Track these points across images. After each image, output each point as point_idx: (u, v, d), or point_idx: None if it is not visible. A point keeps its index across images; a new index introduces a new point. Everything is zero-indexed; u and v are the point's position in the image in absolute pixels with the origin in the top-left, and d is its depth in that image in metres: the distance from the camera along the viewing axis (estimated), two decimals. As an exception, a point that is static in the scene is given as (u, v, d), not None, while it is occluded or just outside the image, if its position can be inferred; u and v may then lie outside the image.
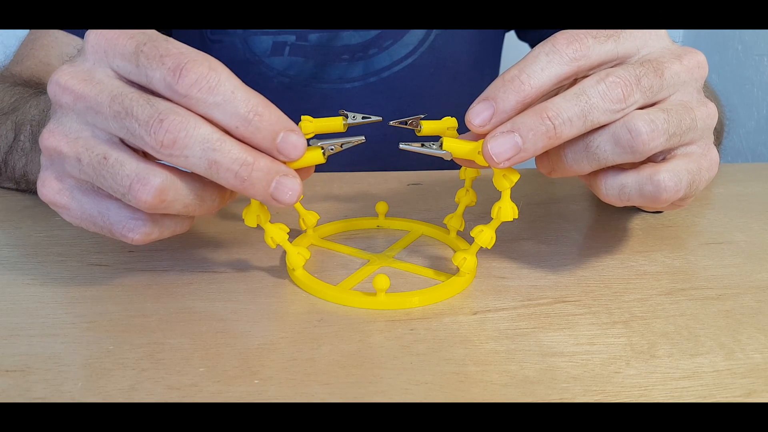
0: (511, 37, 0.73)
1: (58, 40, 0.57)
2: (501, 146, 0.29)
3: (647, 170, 0.30)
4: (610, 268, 0.37)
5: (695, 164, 0.31)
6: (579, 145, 0.30)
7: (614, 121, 0.29)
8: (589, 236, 0.41)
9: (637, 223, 0.43)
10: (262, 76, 0.62)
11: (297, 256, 0.34)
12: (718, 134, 0.53)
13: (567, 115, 0.29)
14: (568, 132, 0.29)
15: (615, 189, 0.31)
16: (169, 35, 0.33)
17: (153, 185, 0.28)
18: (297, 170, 0.31)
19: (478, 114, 0.30)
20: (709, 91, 0.55)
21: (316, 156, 0.31)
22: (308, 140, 0.31)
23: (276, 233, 0.33)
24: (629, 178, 0.31)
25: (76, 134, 0.29)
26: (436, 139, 0.32)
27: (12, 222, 0.42)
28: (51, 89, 0.29)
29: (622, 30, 0.30)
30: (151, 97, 0.28)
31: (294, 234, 0.39)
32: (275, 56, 0.62)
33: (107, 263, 0.36)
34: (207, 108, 0.27)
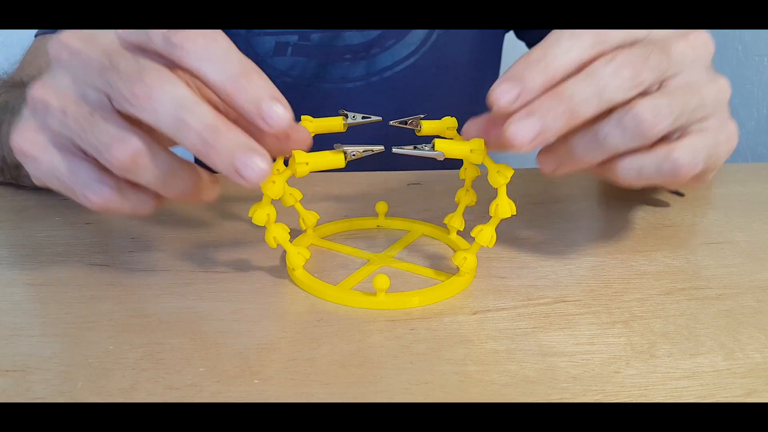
0: (511, 37, 0.73)
1: None
2: (523, 129, 0.29)
3: (663, 149, 0.30)
4: (610, 268, 0.37)
5: (712, 139, 0.31)
6: (588, 135, 0.30)
7: (622, 107, 0.29)
8: (589, 236, 0.41)
9: (637, 223, 0.43)
10: None
11: (297, 255, 0.34)
12: None
13: (583, 94, 0.29)
14: (586, 111, 0.29)
15: (633, 171, 0.31)
16: None
17: (131, 145, 0.28)
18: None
19: (504, 93, 0.29)
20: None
21: (338, 160, 0.31)
22: (332, 145, 0.31)
23: (279, 233, 0.33)
24: (646, 160, 0.31)
25: (66, 89, 0.29)
26: (428, 140, 0.32)
27: (12, 222, 0.42)
28: (51, 45, 0.30)
29: None
30: (141, 58, 0.28)
31: (294, 234, 0.39)
32: (278, 56, 0.62)
33: (107, 263, 0.36)
34: (198, 62, 0.28)
